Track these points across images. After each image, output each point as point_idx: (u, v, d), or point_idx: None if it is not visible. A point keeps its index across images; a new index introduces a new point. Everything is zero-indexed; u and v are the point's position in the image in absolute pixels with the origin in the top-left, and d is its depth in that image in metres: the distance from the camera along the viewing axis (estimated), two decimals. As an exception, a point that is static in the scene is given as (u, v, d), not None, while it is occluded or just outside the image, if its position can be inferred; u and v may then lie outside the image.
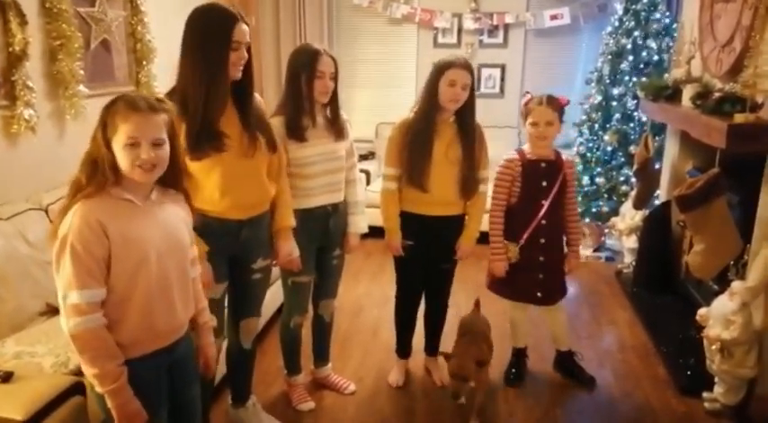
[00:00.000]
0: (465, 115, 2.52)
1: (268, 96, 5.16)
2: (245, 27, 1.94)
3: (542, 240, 2.63)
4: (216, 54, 1.90)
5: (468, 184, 2.56)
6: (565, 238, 2.75)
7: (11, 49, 2.56)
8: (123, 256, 1.47)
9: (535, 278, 2.68)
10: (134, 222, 1.51)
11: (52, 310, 2.34)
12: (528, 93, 2.67)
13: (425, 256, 2.65)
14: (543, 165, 2.62)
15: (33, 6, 2.72)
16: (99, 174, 1.47)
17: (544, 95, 2.59)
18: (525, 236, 2.62)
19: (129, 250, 1.48)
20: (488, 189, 2.69)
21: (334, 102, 2.42)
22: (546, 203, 2.60)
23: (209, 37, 1.90)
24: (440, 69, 2.46)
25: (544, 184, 2.62)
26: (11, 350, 2.04)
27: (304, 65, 2.30)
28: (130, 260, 1.49)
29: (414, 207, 2.58)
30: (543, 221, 2.61)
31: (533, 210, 2.62)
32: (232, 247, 2.11)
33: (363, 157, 5.32)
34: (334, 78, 2.36)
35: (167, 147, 1.54)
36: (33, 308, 2.32)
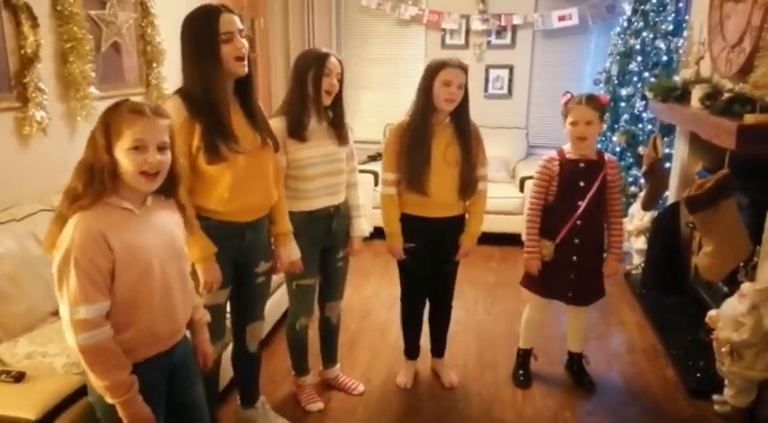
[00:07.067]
0: (460, 115, 2.51)
1: (277, 98, 5.18)
2: (231, 17, 1.95)
3: (577, 241, 2.61)
4: (207, 48, 1.91)
5: (468, 184, 2.55)
6: (606, 241, 2.70)
7: (23, 52, 2.58)
8: (127, 266, 1.46)
9: (567, 278, 2.66)
10: (135, 231, 1.49)
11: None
12: (568, 92, 2.61)
13: (428, 257, 2.64)
14: (582, 165, 2.58)
15: (45, 9, 2.74)
16: (96, 182, 1.44)
17: (584, 94, 2.56)
18: (560, 235, 2.61)
19: (132, 260, 1.47)
20: (487, 187, 2.66)
21: (338, 106, 2.43)
22: (582, 204, 2.57)
23: (197, 33, 1.93)
24: (434, 70, 2.45)
25: (582, 184, 2.58)
26: (23, 350, 2.05)
27: (312, 63, 2.32)
28: (134, 269, 1.48)
29: (414, 209, 2.58)
30: (579, 222, 2.58)
31: (570, 209, 2.59)
32: (236, 251, 2.12)
33: (372, 158, 5.32)
34: (340, 80, 2.38)
35: (170, 153, 1.53)
36: (45, 308, 2.33)
